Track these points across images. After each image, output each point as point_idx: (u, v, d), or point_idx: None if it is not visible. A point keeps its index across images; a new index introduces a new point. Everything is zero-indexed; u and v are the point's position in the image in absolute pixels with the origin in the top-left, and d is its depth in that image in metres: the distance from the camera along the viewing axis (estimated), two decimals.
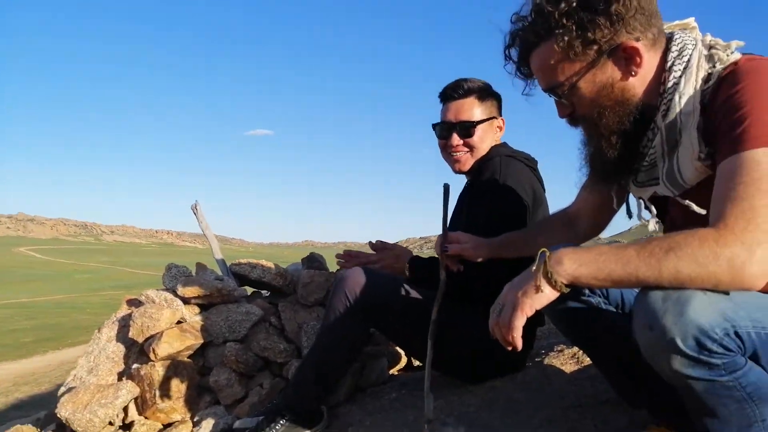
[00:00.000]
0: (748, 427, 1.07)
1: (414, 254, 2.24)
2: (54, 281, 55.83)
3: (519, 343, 1.16)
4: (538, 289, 1.12)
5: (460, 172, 2.26)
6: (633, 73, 1.22)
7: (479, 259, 1.80)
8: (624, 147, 1.26)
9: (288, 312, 2.89)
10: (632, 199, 1.46)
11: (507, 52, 1.34)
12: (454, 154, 2.23)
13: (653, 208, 1.37)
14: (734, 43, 1.20)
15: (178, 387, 2.44)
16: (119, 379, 2.57)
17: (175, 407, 2.42)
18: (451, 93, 2.21)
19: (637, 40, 1.20)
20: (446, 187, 1.62)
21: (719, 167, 1.08)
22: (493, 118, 2.23)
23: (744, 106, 1.06)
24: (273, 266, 3.06)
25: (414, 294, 2.01)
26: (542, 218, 2.04)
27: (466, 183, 2.32)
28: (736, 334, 0.99)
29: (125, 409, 2.42)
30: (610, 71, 1.23)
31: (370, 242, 2.33)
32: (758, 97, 1.06)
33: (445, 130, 2.22)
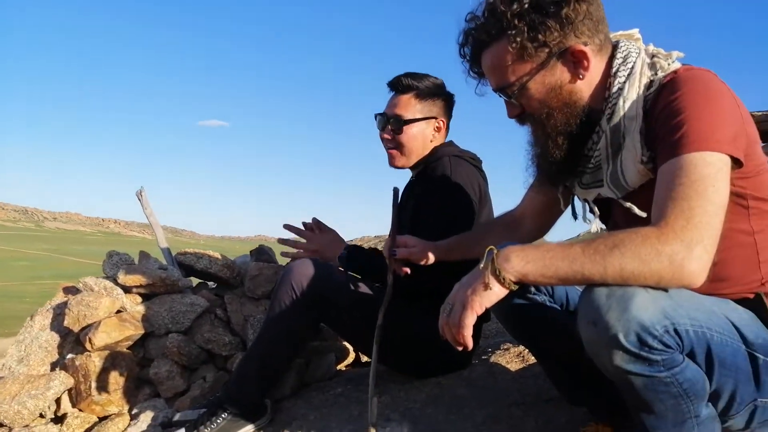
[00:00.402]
0: (682, 423, 1.10)
1: (349, 244, 2.20)
2: None
3: (470, 342, 1.16)
4: (486, 286, 1.12)
5: (392, 166, 2.24)
6: (581, 77, 1.26)
7: (427, 263, 1.78)
8: (569, 148, 1.29)
9: (234, 304, 2.83)
10: (577, 201, 1.50)
11: (461, 50, 1.36)
12: (386, 147, 2.22)
13: (596, 210, 1.40)
14: (675, 53, 1.26)
15: (115, 379, 2.34)
16: (52, 369, 2.45)
17: (112, 400, 2.32)
18: (393, 86, 2.20)
19: (585, 44, 1.24)
20: (396, 191, 1.59)
21: (660, 170, 1.13)
22: (432, 118, 2.20)
23: (682, 112, 1.11)
24: (220, 257, 2.99)
25: (363, 288, 1.99)
26: (487, 220, 2.06)
27: (411, 179, 2.32)
28: (676, 331, 1.02)
29: (58, 401, 2.31)
30: (558, 73, 1.26)
31: (303, 222, 2.25)
32: (695, 104, 1.11)
33: (380, 121, 2.22)
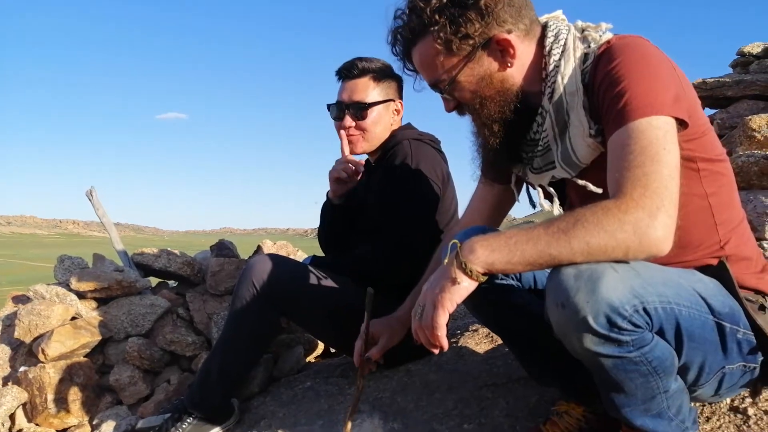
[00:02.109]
0: (651, 399, 1.10)
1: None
2: None
3: (445, 343, 1.13)
4: (455, 281, 1.09)
5: (352, 153, 2.14)
6: (509, 64, 1.25)
7: (399, 341, 1.62)
8: (507, 135, 1.28)
9: (197, 302, 2.75)
10: (532, 189, 1.48)
11: (392, 49, 1.35)
12: (348, 136, 2.11)
13: (553, 192, 1.37)
14: (603, 25, 1.25)
15: (73, 389, 2.25)
16: (4, 384, 2.33)
17: (71, 411, 2.23)
18: (347, 72, 2.11)
19: (509, 32, 1.23)
20: (369, 293, 1.47)
21: (609, 142, 1.11)
22: (390, 100, 2.14)
23: (621, 81, 1.10)
24: (179, 254, 2.89)
25: (324, 282, 1.93)
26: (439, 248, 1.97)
27: (370, 166, 2.25)
28: (645, 310, 1.00)
29: (12, 417, 2.21)
30: (486, 64, 1.25)
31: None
32: (633, 71, 1.10)
33: (338, 110, 2.12)
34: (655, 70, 1.11)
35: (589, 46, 1.22)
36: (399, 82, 2.18)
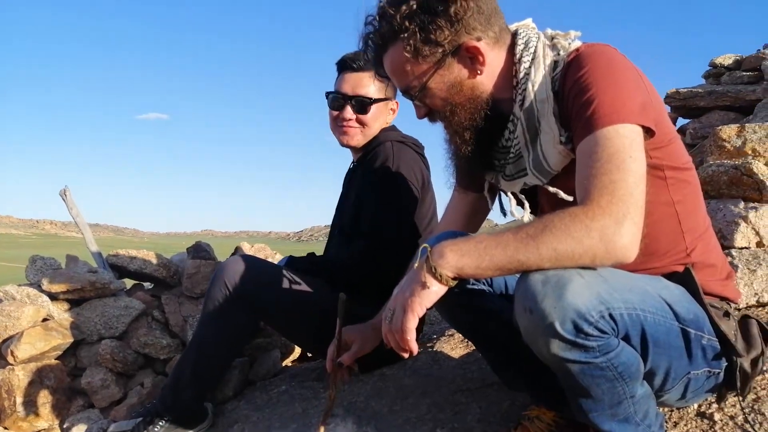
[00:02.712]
0: (618, 404, 1.11)
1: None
2: None
3: (414, 347, 1.13)
4: (424, 286, 1.09)
5: (346, 145, 2.18)
6: (479, 71, 1.27)
7: (373, 348, 1.59)
8: (477, 142, 1.29)
9: (172, 305, 2.73)
10: (504, 196, 1.49)
11: (364, 55, 1.37)
12: (346, 127, 2.13)
13: (525, 200, 1.39)
14: (573, 33, 1.27)
15: (43, 392, 2.21)
16: None
17: (40, 415, 2.19)
18: (350, 63, 2.11)
19: (479, 39, 1.24)
20: (342, 299, 1.47)
21: (577, 149, 1.13)
22: (388, 99, 2.16)
23: (590, 89, 1.12)
24: (155, 257, 2.86)
25: (298, 286, 1.92)
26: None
27: (352, 165, 2.27)
28: (611, 316, 1.01)
29: None
30: (456, 71, 1.26)
31: None
32: (601, 79, 1.12)
33: (339, 100, 2.12)
34: (623, 79, 1.13)
35: (559, 54, 1.24)
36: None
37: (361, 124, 2.12)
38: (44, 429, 2.19)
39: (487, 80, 1.27)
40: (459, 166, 1.40)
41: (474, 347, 2.13)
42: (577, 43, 1.24)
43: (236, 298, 1.83)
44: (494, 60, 1.27)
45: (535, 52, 1.25)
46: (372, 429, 1.64)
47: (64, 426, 2.21)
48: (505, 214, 1.49)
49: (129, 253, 2.89)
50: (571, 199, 1.20)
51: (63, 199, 3.06)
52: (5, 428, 2.16)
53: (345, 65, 2.12)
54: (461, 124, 1.28)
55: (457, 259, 1.07)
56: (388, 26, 1.25)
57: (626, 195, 1.02)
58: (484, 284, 1.44)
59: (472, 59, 1.25)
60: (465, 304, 1.41)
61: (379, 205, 1.99)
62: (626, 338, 1.07)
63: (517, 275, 1.11)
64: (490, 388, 1.76)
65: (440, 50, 1.23)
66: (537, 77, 1.23)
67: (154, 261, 2.83)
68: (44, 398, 2.21)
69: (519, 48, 1.27)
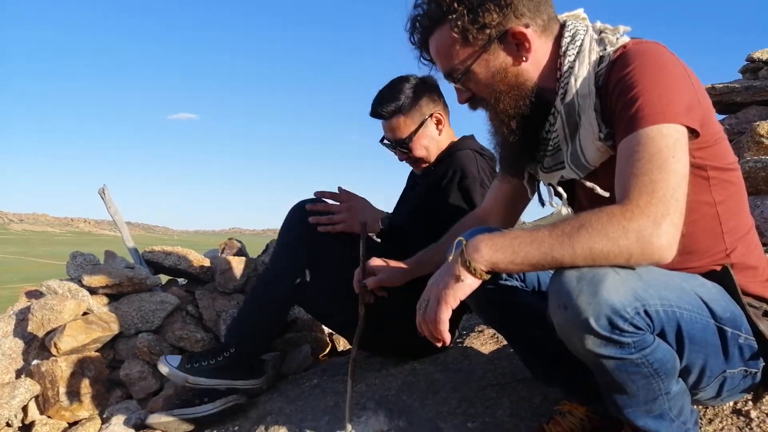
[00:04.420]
0: (653, 401, 1.11)
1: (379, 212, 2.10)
2: None
3: (447, 337, 1.15)
4: (458, 279, 1.11)
5: (420, 172, 2.28)
6: (524, 59, 1.26)
7: (397, 284, 1.71)
8: (524, 131, 1.29)
9: (206, 300, 2.79)
10: (542, 187, 1.49)
11: (410, 38, 1.36)
12: (410, 164, 2.27)
13: (562, 192, 1.39)
14: (621, 28, 1.26)
15: (84, 383, 2.29)
16: (17, 376, 2.37)
17: (82, 404, 2.27)
18: (377, 116, 2.19)
19: (526, 26, 1.24)
20: (363, 224, 1.56)
21: (618, 147, 1.12)
22: (427, 119, 2.16)
23: (635, 87, 1.10)
24: (189, 253, 2.93)
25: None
26: (456, 225, 2.02)
27: (429, 167, 2.28)
28: (646, 312, 1.02)
29: (24, 409, 2.25)
30: (502, 56, 1.26)
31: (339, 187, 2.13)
32: (647, 78, 1.11)
33: (389, 147, 2.22)
34: (670, 78, 1.11)
35: (605, 49, 1.22)
36: (429, 92, 2.19)
37: (414, 158, 2.20)
38: (85, 418, 2.26)
39: (532, 68, 1.27)
40: (503, 154, 1.39)
41: (504, 343, 2.14)
42: (625, 39, 1.22)
43: (299, 237, 2.00)
44: (540, 48, 1.26)
45: (581, 45, 1.24)
46: (404, 422, 1.67)
47: (104, 416, 2.28)
48: (543, 205, 1.50)
49: (164, 249, 2.97)
50: (607, 195, 1.20)
51: (101, 197, 3.15)
52: (49, 417, 2.24)
53: (376, 115, 2.19)
54: (506, 112, 1.27)
55: (492, 253, 1.08)
56: (437, 7, 1.26)
57: (666, 195, 1.01)
58: (516, 280, 1.45)
59: (518, 45, 1.25)
60: (497, 299, 1.42)
61: (445, 203, 2.02)
62: (662, 335, 1.07)
63: (551, 271, 1.12)
64: (520, 383, 1.76)
65: (487, 33, 1.23)
66: (581, 71, 1.22)
67: (189, 257, 2.90)
68: (85, 389, 2.28)
69: (565, 40, 1.25)
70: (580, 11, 1.34)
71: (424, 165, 2.25)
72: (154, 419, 2.01)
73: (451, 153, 2.17)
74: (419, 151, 2.18)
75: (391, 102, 2.14)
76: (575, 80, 1.22)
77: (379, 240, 2.05)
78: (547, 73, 1.27)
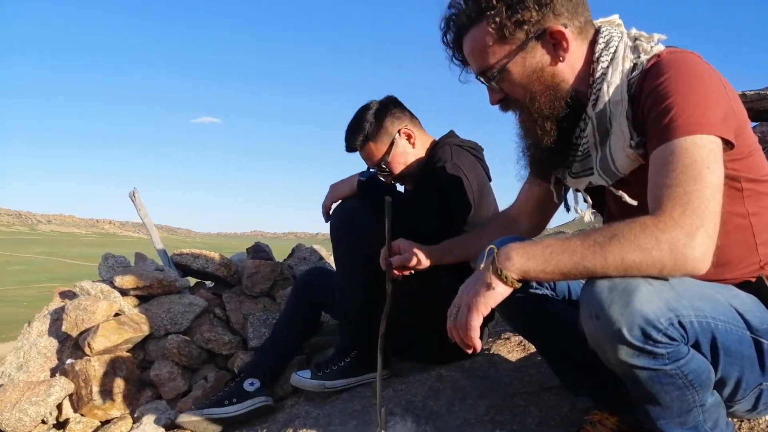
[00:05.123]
0: (687, 412, 1.10)
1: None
2: None
3: (478, 344, 1.15)
4: (489, 287, 1.11)
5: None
6: (561, 59, 1.25)
7: (421, 267, 1.73)
8: (558, 133, 1.27)
9: (233, 303, 2.83)
10: (569, 192, 1.49)
11: (443, 37, 1.35)
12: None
13: (588, 198, 1.39)
14: (656, 36, 1.25)
15: (116, 382, 2.34)
16: (52, 375, 2.44)
17: (114, 403, 2.32)
18: (350, 149, 2.24)
19: (565, 26, 1.23)
20: (388, 202, 1.60)
21: (651, 157, 1.11)
22: (395, 137, 2.18)
23: (669, 96, 1.09)
24: (217, 256, 2.98)
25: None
26: (484, 221, 2.04)
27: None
28: (680, 323, 1.01)
29: (59, 407, 2.31)
30: (539, 55, 1.25)
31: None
32: (682, 87, 1.10)
33: (373, 174, 2.23)
34: (705, 88, 1.10)
35: (639, 57, 1.21)
36: (391, 112, 2.21)
37: (399, 176, 2.23)
38: (117, 417, 2.31)
39: (567, 70, 1.26)
40: (533, 157, 1.37)
41: (531, 351, 2.13)
42: (659, 48, 1.21)
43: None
44: (576, 51, 1.25)
45: (615, 52, 1.23)
46: (431, 428, 1.67)
47: (135, 415, 2.32)
48: (568, 210, 1.49)
49: (192, 252, 3.02)
50: (635, 203, 1.20)
51: (132, 200, 3.22)
52: (82, 415, 2.29)
53: (349, 149, 2.25)
54: (541, 112, 1.26)
55: (523, 262, 1.09)
56: (475, 4, 1.25)
57: (701, 207, 1.00)
58: (546, 288, 1.45)
59: (555, 45, 1.24)
60: (527, 307, 1.42)
61: (429, 205, 2.03)
62: (696, 346, 1.05)
63: (582, 280, 1.12)
64: (549, 391, 1.75)
65: (524, 30, 1.22)
66: (614, 79, 1.21)
67: (216, 260, 2.95)
68: (117, 388, 2.33)
69: (599, 46, 1.25)
70: (615, 17, 1.33)
71: (404, 182, 2.29)
72: (184, 418, 2.05)
73: (431, 157, 2.18)
74: (398, 168, 2.20)
75: (357, 133, 2.19)
76: (608, 87, 1.21)
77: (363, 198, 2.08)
78: (581, 77, 1.26)
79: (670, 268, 1.00)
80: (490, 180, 2.23)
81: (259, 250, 3.18)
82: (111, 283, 2.68)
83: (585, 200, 1.40)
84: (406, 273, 1.74)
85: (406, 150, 2.20)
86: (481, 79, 1.33)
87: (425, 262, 1.70)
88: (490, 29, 1.24)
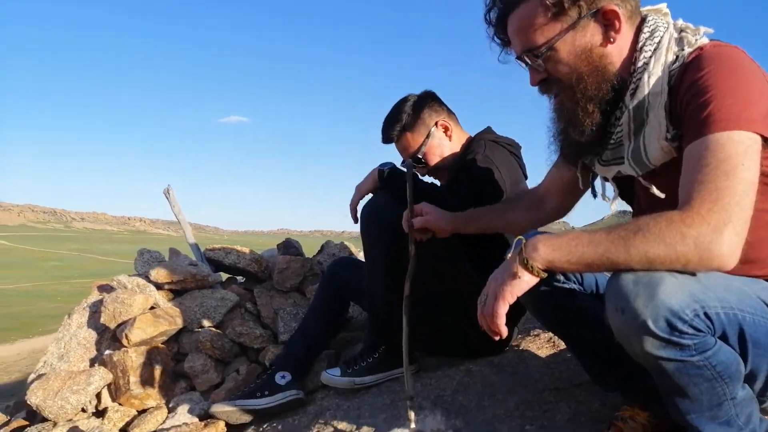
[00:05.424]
0: (718, 406, 1.09)
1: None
2: (21, 269, 54.54)
3: (503, 331, 1.18)
4: (515, 276, 1.14)
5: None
6: (612, 40, 1.23)
7: (444, 233, 1.79)
8: (600, 117, 1.25)
9: (264, 298, 2.88)
10: (597, 180, 1.49)
11: (486, 15, 1.34)
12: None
13: (615, 187, 1.39)
14: (702, 29, 1.23)
15: (152, 373, 2.41)
16: (91, 365, 2.52)
17: (150, 393, 2.39)
18: (386, 140, 2.25)
19: (617, 7, 1.21)
20: (409, 165, 1.64)
21: (686, 151, 1.10)
22: (432, 129, 2.19)
23: (709, 90, 1.08)
24: (248, 252, 3.04)
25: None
26: (510, 196, 2.04)
27: None
28: (706, 314, 1.01)
29: (98, 396, 2.38)
30: (589, 35, 1.23)
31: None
32: (723, 82, 1.08)
33: (407, 167, 2.16)
34: (746, 84, 1.08)
35: (683, 49, 1.19)
36: (430, 104, 2.22)
37: (434, 168, 2.25)
38: (153, 407, 2.38)
39: (616, 52, 1.24)
40: (566, 141, 1.35)
41: (561, 347, 2.13)
42: (704, 41, 1.19)
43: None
44: (625, 34, 1.23)
45: (659, 43, 1.21)
46: (461, 422, 1.69)
47: (170, 405, 2.39)
48: (595, 196, 1.49)
49: (224, 247, 3.09)
50: (662, 196, 1.20)
51: (166, 197, 3.30)
52: (120, 404, 2.37)
53: (386, 140, 2.26)
54: (586, 93, 1.24)
55: (549, 252, 1.11)
56: None
57: (731, 203, 0.99)
58: (574, 282, 1.45)
59: (607, 26, 1.22)
60: (554, 301, 1.43)
61: (459, 192, 2.03)
62: (723, 338, 1.05)
63: (608, 273, 1.12)
64: (579, 388, 1.75)
65: (578, 9, 1.20)
66: (655, 69, 1.20)
67: (248, 256, 3.01)
68: (153, 379, 2.40)
69: (644, 35, 1.23)
70: (662, 6, 1.30)
71: (441, 177, 2.30)
72: (217, 409, 2.10)
73: (465, 152, 2.19)
74: (434, 160, 2.22)
75: (395, 123, 2.21)
76: (648, 77, 1.20)
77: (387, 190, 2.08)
78: (624, 62, 1.24)
79: (694, 263, 1.01)
80: (526, 178, 2.23)
81: (289, 246, 3.24)
82: (146, 278, 2.76)
83: (613, 188, 1.40)
84: (428, 237, 1.80)
85: (443, 142, 2.22)
86: (525, 58, 1.30)
87: (447, 227, 1.76)
88: (542, 6, 1.22)
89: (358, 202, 2.15)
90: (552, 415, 1.64)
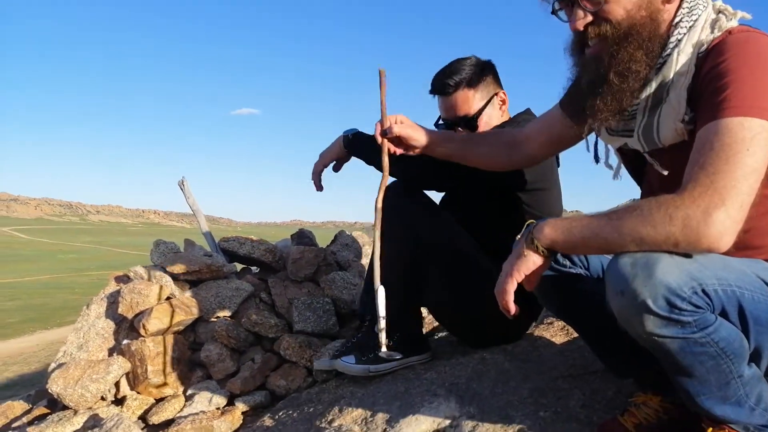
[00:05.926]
0: (726, 385, 1.09)
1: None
2: (38, 261, 55.39)
3: (511, 307, 1.24)
4: (522, 255, 1.20)
5: None
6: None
7: (416, 148, 1.80)
8: (645, 66, 1.21)
9: (278, 288, 2.90)
10: (601, 145, 1.48)
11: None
12: None
13: (618, 156, 1.42)
14: (740, 13, 1.21)
15: (169, 362, 2.44)
16: (109, 354, 2.57)
17: (167, 382, 2.43)
18: (442, 89, 2.10)
19: None
20: (381, 72, 1.59)
21: (697, 134, 1.10)
22: (493, 96, 2.12)
23: (727, 75, 1.08)
24: (262, 242, 3.06)
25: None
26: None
27: None
28: (704, 291, 1.02)
29: (117, 385, 2.42)
30: None
31: None
32: (742, 67, 1.08)
33: (450, 126, 2.14)
34: (766, 72, 1.07)
35: (713, 32, 1.18)
36: (493, 71, 2.14)
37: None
38: (170, 395, 2.42)
39: (667, 16, 1.22)
40: (576, 93, 1.32)
41: (574, 335, 2.13)
42: (733, 24, 1.18)
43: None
44: (674, 1, 1.22)
45: (696, 21, 1.20)
46: (474, 409, 1.70)
47: (187, 394, 2.43)
48: (597, 161, 1.49)
49: (239, 238, 3.12)
50: (666, 173, 1.23)
51: (181, 188, 3.33)
52: (138, 392, 2.41)
53: (437, 91, 2.12)
54: (640, 37, 1.20)
55: (552, 232, 1.16)
56: None
57: (726, 187, 1.00)
58: (581, 268, 1.46)
59: None
60: (561, 286, 1.44)
61: (489, 179, 1.95)
62: (723, 315, 1.06)
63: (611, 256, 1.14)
64: (592, 375, 1.76)
65: None
66: (686, 48, 1.19)
67: (262, 246, 3.03)
68: (170, 368, 2.44)
69: (682, 11, 1.21)
70: None
71: None
72: (339, 365, 2.13)
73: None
74: (482, 129, 2.09)
75: (456, 74, 2.05)
76: (678, 55, 1.19)
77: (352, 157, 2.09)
78: (663, 32, 1.22)
79: (683, 244, 1.02)
80: (558, 165, 2.19)
81: (303, 237, 3.25)
82: (162, 268, 2.79)
83: (617, 157, 1.43)
84: (401, 150, 1.80)
85: (497, 116, 2.14)
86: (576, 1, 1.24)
87: (421, 139, 1.77)
88: None
89: (323, 170, 2.12)
90: (566, 402, 1.64)
